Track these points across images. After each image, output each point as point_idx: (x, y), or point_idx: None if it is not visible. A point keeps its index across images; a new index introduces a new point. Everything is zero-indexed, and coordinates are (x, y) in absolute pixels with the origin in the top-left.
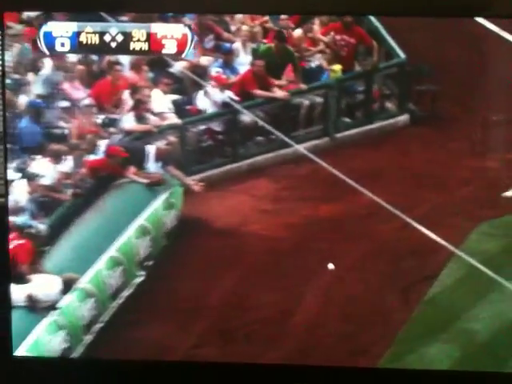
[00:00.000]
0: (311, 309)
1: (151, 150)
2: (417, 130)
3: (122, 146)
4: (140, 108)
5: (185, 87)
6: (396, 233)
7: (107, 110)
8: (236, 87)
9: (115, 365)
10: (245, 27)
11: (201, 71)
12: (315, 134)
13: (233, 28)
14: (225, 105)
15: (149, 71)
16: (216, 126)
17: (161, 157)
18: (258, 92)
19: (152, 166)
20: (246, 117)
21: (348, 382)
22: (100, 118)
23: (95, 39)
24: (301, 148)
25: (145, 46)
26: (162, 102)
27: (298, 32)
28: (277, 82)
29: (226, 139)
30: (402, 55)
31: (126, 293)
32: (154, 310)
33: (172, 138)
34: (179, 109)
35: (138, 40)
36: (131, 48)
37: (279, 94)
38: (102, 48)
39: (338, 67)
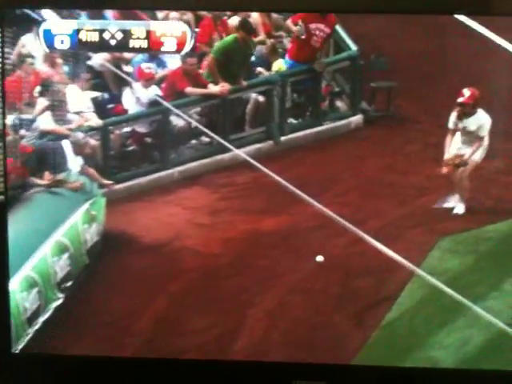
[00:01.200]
0: (253, 335)
1: (67, 145)
2: (371, 132)
3: (35, 147)
4: (54, 107)
5: (107, 83)
6: (348, 249)
7: (18, 109)
8: (165, 85)
9: None
10: (173, 14)
11: (125, 65)
12: (257, 137)
13: (160, 15)
14: (153, 104)
15: (64, 65)
16: (143, 128)
17: (79, 152)
18: (190, 89)
19: (72, 167)
20: (178, 117)
21: None
22: (10, 119)
23: (95, 37)
24: (240, 153)
25: (144, 44)
26: (79, 99)
27: (234, 20)
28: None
29: (155, 143)
30: (354, 47)
31: (41, 318)
32: (73, 337)
33: (92, 142)
34: (100, 108)
35: (138, 38)
36: (131, 46)
37: (215, 90)
38: (102, 45)
39: (279, 62)
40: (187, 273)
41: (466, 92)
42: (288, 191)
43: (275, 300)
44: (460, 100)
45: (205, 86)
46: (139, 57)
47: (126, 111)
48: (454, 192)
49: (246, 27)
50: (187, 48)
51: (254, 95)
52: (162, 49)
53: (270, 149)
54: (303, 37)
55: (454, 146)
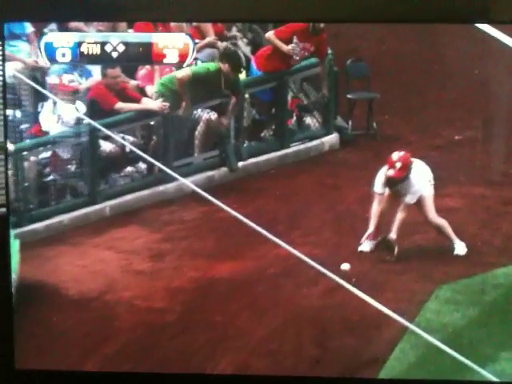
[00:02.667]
0: None
1: None
2: (348, 154)
3: None
4: None
5: (19, 98)
6: (324, 299)
7: None
8: (90, 101)
9: None
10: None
11: (42, 76)
12: (208, 163)
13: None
14: (78, 123)
15: None
16: (66, 153)
17: None
18: (121, 105)
19: None
20: (109, 140)
21: None
22: None
23: (96, 49)
24: (187, 182)
25: (146, 56)
26: None
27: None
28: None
29: (81, 171)
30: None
31: None
32: None
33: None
34: (12, 129)
35: (140, 50)
36: (132, 58)
37: (153, 105)
38: (104, 58)
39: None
40: (124, 332)
41: (397, 162)
42: (247, 229)
43: (233, 365)
44: (390, 174)
45: (136, 101)
46: (59, 66)
47: (44, 133)
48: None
49: (234, 62)
50: (189, 60)
51: (205, 114)
52: (165, 61)
53: (224, 177)
54: (297, 58)
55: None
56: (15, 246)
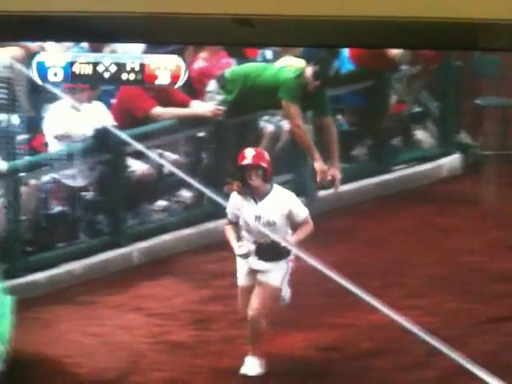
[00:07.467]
0: None
1: None
2: (474, 184)
3: None
4: None
5: (15, 98)
6: None
7: None
8: (116, 104)
9: None
10: None
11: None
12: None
13: None
14: (100, 135)
15: None
16: (78, 175)
17: None
18: (160, 110)
19: None
20: (139, 158)
21: None
22: None
23: (88, 69)
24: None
25: (138, 77)
26: None
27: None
28: None
29: (100, 200)
30: None
31: None
32: None
33: None
34: (5, 141)
35: (132, 70)
36: (124, 78)
37: (204, 109)
38: (96, 78)
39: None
40: None
41: None
42: (328, 285)
43: None
44: None
45: (182, 105)
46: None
47: (48, 146)
48: None
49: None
50: (181, 81)
51: (268, 125)
52: (156, 82)
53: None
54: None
55: None
56: (7, 304)
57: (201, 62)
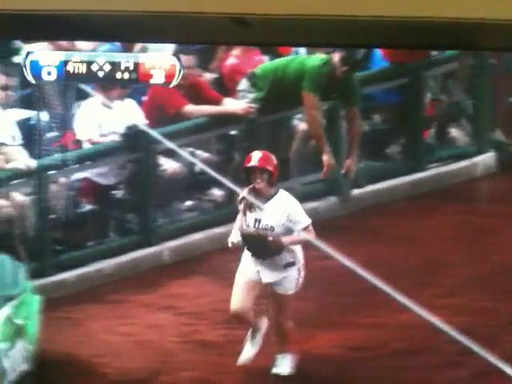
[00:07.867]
0: None
1: None
2: (510, 182)
3: None
4: None
5: (44, 94)
6: None
7: None
8: (146, 101)
9: None
10: None
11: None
12: (310, 191)
13: None
14: (130, 133)
15: None
16: (110, 175)
17: None
18: (192, 108)
19: None
20: (171, 156)
21: None
22: None
23: (82, 68)
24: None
25: (133, 76)
26: None
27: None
28: None
29: (129, 199)
30: None
31: None
32: None
33: (19, 198)
34: (33, 138)
35: (126, 69)
36: (119, 77)
37: (236, 107)
38: (90, 77)
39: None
40: None
41: None
42: (360, 284)
43: None
44: None
45: (214, 102)
46: (105, 47)
47: (79, 144)
48: None
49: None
50: (176, 81)
51: (300, 123)
52: (151, 81)
53: (330, 210)
54: None
55: None
56: (35, 303)
57: (233, 59)
